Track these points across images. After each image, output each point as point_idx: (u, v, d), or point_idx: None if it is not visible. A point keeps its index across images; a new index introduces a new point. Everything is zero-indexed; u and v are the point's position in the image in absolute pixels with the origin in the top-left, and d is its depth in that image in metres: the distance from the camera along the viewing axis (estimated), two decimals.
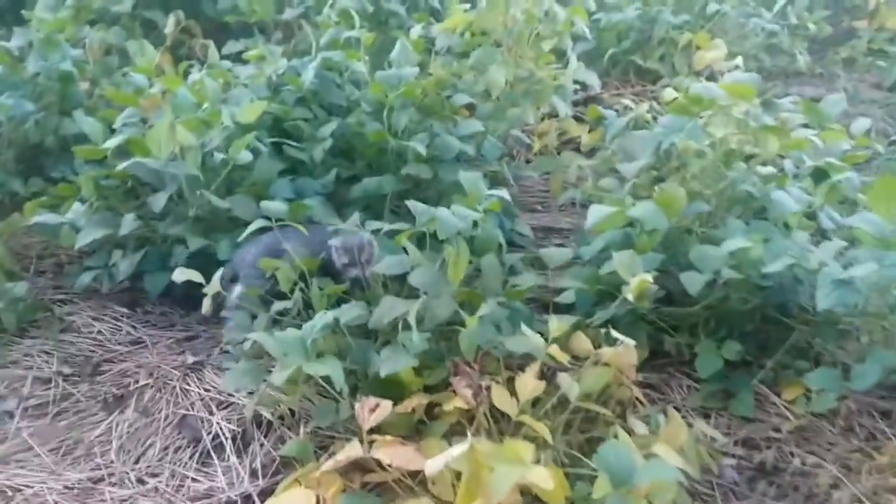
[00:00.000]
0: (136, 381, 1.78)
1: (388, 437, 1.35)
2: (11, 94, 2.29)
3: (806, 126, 2.08)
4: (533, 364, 1.48)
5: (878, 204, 1.64)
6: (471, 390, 1.46)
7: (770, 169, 1.90)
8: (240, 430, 1.63)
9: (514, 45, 2.48)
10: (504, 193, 1.74)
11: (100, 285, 2.04)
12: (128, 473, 1.53)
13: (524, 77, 2.51)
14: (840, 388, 1.60)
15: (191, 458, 1.58)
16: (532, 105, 2.50)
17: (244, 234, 1.65)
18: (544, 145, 2.76)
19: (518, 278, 1.83)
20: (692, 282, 1.62)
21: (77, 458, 1.58)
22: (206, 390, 1.75)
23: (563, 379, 1.49)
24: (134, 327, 1.98)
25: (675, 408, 1.72)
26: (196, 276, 1.60)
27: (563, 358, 1.45)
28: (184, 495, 1.48)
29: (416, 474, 1.41)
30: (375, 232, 1.81)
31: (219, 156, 1.87)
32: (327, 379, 1.41)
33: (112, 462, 1.56)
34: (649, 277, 1.48)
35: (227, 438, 1.61)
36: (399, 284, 1.77)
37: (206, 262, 1.83)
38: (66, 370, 1.81)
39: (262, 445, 1.59)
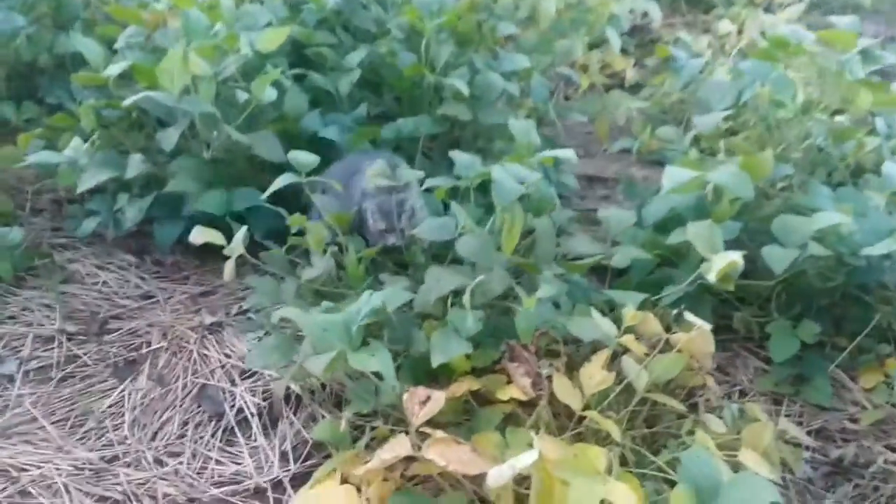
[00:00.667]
0: (149, 343, 1.61)
1: (440, 434, 1.19)
2: None
3: None
4: (600, 352, 1.32)
5: None
6: (529, 379, 1.30)
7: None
8: (265, 404, 1.48)
9: None
10: (568, 153, 1.53)
11: (104, 230, 1.85)
12: (144, 452, 1.38)
13: (573, 4, 2.24)
14: None
15: (213, 435, 1.43)
16: (580, 37, 2.24)
17: (269, 190, 1.44)
18: (591, 83, 2.51)
19: (571, 241, 1.64)
20: (777, 258, 1.43)
21: (87, 433, 1.42)
22: (227, 356, 1.58)
23: (629, 366, 1.33)
24: (143, 279, 1.80)
25: (742, 392, 1.58)
26: (217, 237, 1.40)
27: (639, 349, 1.28)
28: (207, 480, 1.34)
29: None
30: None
31: (241, 94, 1.63)
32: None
33: (126, 438, 1.41)
34: (739, 258, 1.29)
35: (252, 414, 1.46)
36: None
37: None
38: (71, 328, 1.64)
39: (291, 424, 1.44)
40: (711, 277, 1.34)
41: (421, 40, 1.95)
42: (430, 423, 1.23)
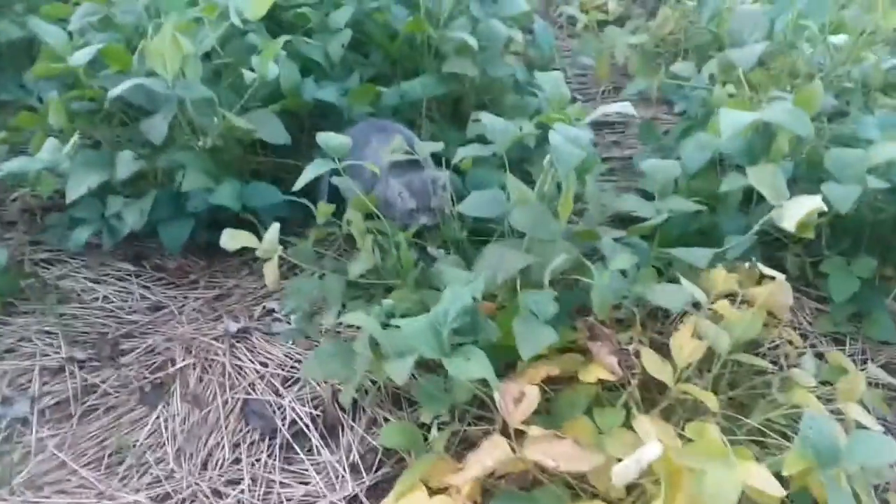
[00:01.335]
0: (173, 361, 1.46)
1: (536, 430, 1.10)
2: None
3: None
4: (687, 320, 1.24)
5: None
6: (615, 357, 1.21)
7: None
8: (319, 413, 1.36)
9: None
10: (627, 106, 1.42)
11: (97, 239, 1.65)
12: (199, 485, 1.25)
13: None
14: None
15: (270, 455, 1.31)
16: None
17: (300, 181, 1.29)
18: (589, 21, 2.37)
19: (616, 200, 1.54)
20: (841, 196, 1.36)
21: (128, 472, 1.27)
22: (263, 364, 1.45)
23: (707, 327, 1.26)
24: (147, 288, 1.62)
25: (804, 335, 1.54)
26: (251, 241, 1.25)
27: (732, 315, 1.20)
28: None
29: None
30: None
31: (250, 75, 1.44)
32: None
33: (174, 472, 1.27)
34: (822, 204, 1.22)
35: (307, 426, 1.34)
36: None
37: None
38: (79, 354, 1.46)
39: (352, 429, 1.33)
40: (788, 225, 1.26)
41: None
42: None
